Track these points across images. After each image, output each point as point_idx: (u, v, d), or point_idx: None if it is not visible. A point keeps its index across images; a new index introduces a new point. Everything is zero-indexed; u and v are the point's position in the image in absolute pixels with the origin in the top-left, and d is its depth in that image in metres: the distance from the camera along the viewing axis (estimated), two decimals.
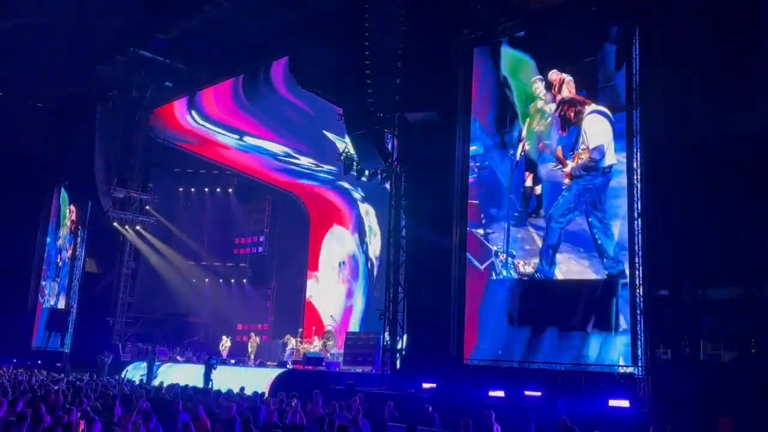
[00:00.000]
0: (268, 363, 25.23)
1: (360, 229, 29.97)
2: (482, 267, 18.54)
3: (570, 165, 16.96)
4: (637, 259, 14.97)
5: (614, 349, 15.23)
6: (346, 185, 29.30)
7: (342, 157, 22.36)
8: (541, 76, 17.92)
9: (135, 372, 25.77)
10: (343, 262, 30.65)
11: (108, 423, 9.45)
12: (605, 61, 16.71)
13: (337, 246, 31.32)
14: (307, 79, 22.79)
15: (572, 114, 17.15)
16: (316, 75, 22.58)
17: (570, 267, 16.51)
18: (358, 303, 29.38)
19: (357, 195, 29.76)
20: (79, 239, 34.03)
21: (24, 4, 24.10)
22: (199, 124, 29.12)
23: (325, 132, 25.84)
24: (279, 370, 22.19)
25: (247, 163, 31.39)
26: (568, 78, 17.36)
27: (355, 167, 21.72)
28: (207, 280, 34.54)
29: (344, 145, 22.83)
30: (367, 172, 21.65)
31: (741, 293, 13.81)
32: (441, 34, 19.96)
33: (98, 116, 30.01)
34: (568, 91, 17.31)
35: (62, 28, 24.67)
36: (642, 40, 15.84)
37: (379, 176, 22.33)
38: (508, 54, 19.19)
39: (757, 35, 14.22)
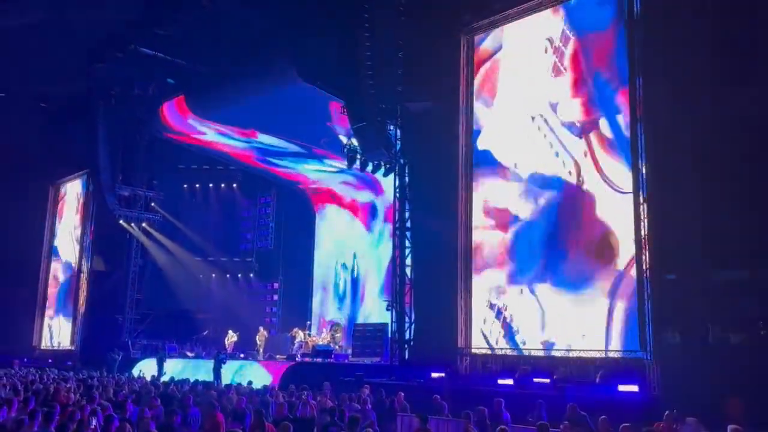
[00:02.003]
0: (277, 356, 25.31)
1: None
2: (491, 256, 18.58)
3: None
4: (643, 244, 14.94)
5: (623, 335, 15.28)
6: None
7: (345, 150, 22.32)
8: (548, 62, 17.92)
9: (145, 368, 25.88)
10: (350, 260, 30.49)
11: (122, 420, 9.51)
12: (605, 44, 16.66)
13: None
14: (309, 72, 22.70)
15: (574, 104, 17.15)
16: (318, 68, 22.49)
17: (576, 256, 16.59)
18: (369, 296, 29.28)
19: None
20: (85, 238, 34.18)
21: (21, 2, 24.05)
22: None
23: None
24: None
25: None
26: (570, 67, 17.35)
27: (358, 159, 21.66)
28: (214, 275, 34.62)
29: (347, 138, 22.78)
30: (370, 164, 21.60)
31: (748, 275, 13.75)
32: (441, 23, 19.91)
33: (100, 114, 30.05)
34: (570, 79, 17.31)
35: (61, 27, 24.64)
36: (644, 21, 15.74)
37: (383, 168, 22.29)
38: (509, 42, 19.16)
39: (760, 10, 14.07)
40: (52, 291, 37.08)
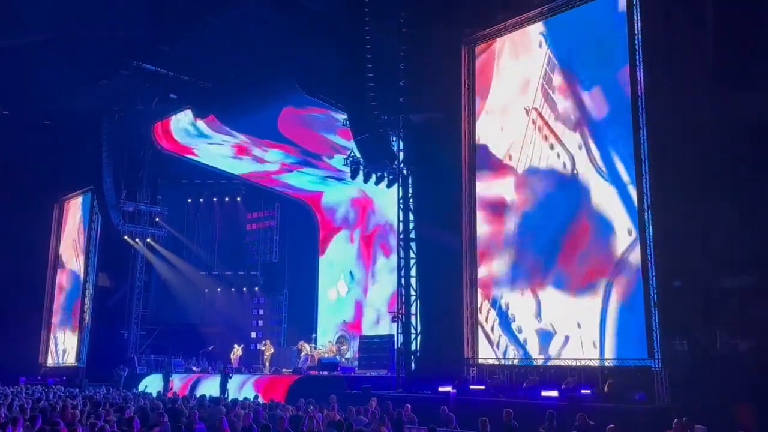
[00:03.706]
0: (284, 370, 25.24)
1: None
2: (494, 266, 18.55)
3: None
4: (648, 251, 14.91)
5: (629, 343, 15.22)
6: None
7: (348, 161, 22.34)
8: (545, 74, 17.96)
9: (151, 384, 25.83)
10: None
11: None
12: (609, 52, 16.69)
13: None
14: (311, 84, 22.78)
15: (573, 116, 17.20)
16: (320, 81, 22.58)
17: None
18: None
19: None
20: (90, 254, 34.22)
21: (26, 22, 24.18)
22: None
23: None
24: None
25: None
26: (570, 78, 17.40)
27: (362, 171, 21.69)
28: (219, 289, 34.60)
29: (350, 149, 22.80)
30: (374, 176, 21.62)
31: (756, 281, 13.69)
32: (443, 35, 19.97)
33: (104, 130, 30.13)
34: (570, 92, 17.35)
35: (65, 45, 24.76)
36: (645, 30, 15.77)
37: (386, 179, 22.31)
38: (509, 51, 19.22)
39: (763, 17, 14.10)
40: (58, 306, 37.05)
